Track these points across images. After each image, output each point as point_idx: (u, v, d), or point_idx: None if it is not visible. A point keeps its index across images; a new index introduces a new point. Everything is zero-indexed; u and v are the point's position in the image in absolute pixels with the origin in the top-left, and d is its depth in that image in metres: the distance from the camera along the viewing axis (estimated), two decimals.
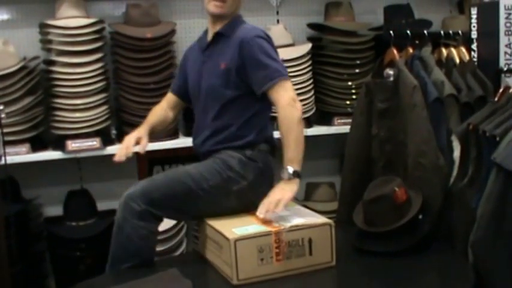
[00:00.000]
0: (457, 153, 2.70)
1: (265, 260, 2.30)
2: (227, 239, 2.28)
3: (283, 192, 2.39)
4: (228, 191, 2.52)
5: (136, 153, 3.57)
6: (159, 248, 3.12)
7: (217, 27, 2.61)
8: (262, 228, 2.33)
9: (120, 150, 2.59)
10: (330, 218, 3.15)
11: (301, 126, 2.46)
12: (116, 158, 2.56)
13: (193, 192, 2.49)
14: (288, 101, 2.44)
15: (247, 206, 2.51)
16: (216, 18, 2.60)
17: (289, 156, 2.42)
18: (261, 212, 2.38)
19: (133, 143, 2.59)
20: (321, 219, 2.44)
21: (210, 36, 2.65)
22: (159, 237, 3.14)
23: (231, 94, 2.54)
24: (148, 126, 2.72)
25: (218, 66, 2.55)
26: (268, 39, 2.57)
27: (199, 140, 2.65)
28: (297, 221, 2.40)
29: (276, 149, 2.63)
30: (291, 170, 2.40)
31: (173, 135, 3.40)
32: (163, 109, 2.84)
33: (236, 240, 2.26)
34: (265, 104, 2.58)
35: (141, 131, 2.67)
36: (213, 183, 2.50)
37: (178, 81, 2.85)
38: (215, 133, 2.59)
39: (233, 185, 2.52)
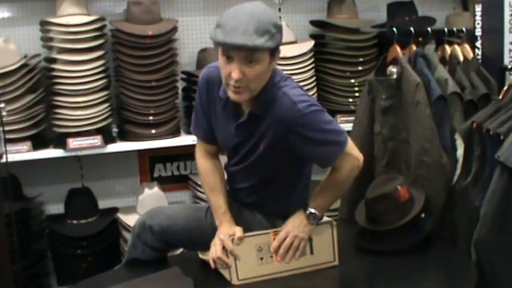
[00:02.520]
0: (460, 152, 2.69)
1: (265, 260, 2.28)
2: None
3: (300, 235, 2.28)
4: None
5: (138, 152, 3.58)
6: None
7: (248, 105, 2.22)
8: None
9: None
10: (331, 216, 3.14)
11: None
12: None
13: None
14: (354, 164, 2.29)
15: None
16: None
17: (321, 203, 2.33)
18: (280, 256, 2.28)
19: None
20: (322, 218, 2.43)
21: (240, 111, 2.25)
22: None
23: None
24: (229, 215, 2.34)
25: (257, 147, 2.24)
26: (316, 105, 2.20)
27: None
28: None
29: None
30: (317, 214, 2.30)
31: (175, 133, 3.39)
32: (214, 170, 2.45)
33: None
34: None
35: (232, 228, 2.29)
36: None
37: (204, 126, 2.43)
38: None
39: None
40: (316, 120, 2.17)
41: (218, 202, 2.34)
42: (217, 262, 2.25)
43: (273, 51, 2.09)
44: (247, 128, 2.23)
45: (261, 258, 2.28)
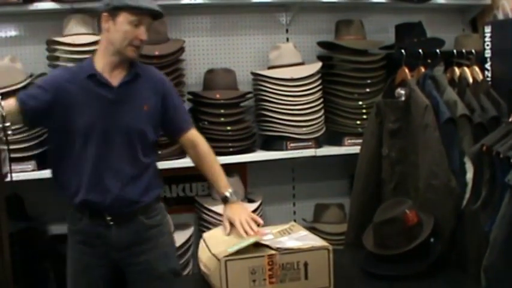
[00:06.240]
0: (470, 175, 2.66)
1: (258, 282, 2.27)
2: (218, 259, 2.27)
3: (246, 210, 2.54)
4: None
5: None
6: None
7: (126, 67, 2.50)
8: (256, 250, 2.32)
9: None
10: (338, 240, 3.10)
11: None
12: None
13: None
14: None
15: None
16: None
17: (225, 183, 2.59)
18: (248, 231, 2.42)
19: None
20: (319, 243, 2.39)
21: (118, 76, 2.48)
22: None
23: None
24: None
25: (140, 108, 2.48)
26: None
27: None
28: (293, 244, 2.37)
29: None
30: (233, 192, 2.58)
31: (180, 154, 3.36)
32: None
33: (227, 261, 2.24)
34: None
35: None
36: None
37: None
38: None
39: None
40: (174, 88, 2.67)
41: None
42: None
43: None
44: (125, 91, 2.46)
45: (254, 281, 2.27)
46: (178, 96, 2.70)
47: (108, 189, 2.39)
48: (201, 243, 2.51)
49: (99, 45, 2.49)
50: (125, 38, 2.39)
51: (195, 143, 2.61)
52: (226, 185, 2.57)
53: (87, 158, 2.40)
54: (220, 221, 3.17)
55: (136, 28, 2.39)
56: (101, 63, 2.45)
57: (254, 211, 3.15)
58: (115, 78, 2.45)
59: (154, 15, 2.44)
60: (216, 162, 2.61)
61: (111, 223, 2.42)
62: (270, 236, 2.41)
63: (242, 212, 2.49)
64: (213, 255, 2.32)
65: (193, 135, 2.62)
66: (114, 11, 2.37)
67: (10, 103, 2.32)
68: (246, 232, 2.40)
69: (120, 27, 2.38)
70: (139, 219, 2.46)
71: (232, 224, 2.47)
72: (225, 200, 2.56)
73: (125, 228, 2.43)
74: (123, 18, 2.37)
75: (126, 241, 2.44)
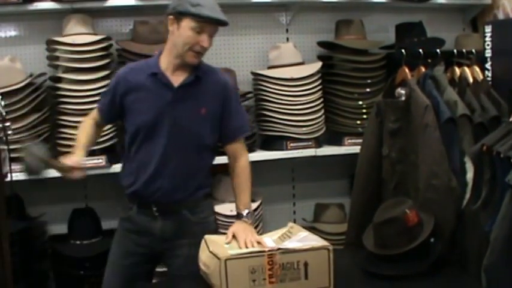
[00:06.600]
0: (470, 175, 2.66)
1: (258, 282, 2.26)
2: (218, 258, 2.26)
3: (254, 233, 2.47)
4: None
5: None
6: (163, 269, 3.07)
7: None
8: (255, 249, 2.32)
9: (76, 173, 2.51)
10: (338, 240, 3.10)
11: None
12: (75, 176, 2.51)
13: None
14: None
15: None
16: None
17: (246, 202, 2.60)
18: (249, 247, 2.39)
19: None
20: (320, 243, 2.39)
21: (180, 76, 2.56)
22: None
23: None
24: (83, 151, 2.60)
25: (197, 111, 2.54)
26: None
27: None
28: (294, 244, 2.37)
29: None
30: (250, 213, 2.58)
31: None
32: (92, 127, 2.72)
33: (227, 260, 2.24)
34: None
35: (78, 158, 2.55)
36: None
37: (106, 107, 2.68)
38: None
39: None
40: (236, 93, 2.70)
41: (80, 139, 2.61)
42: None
43: None
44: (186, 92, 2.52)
45: (254, 280, 2.26)
46: (238, 103, 2.70)
47: (160, 186, 2.52)
48: (202, 243, 2.50)
49: (166, 45, 2.56)
50: (186, 43, 2.44)
51: (236, 156, 2.64)
52: (246, 204, 2.59)
53: (145, 153, 2.53)
54: (221, 220, 3.18)
55: (199, 35, 2.42)
56: (165, 62, 2.53)
57: (254, 211, 3.14)
58: (177, 79, 2.51)
59: (218, 23, 2.46)
60: (247, 181, 2.62)
61: (157, 214, 2.55)
62: (272, 244, 2.38)
63: (249, 232, 2.45)
64: (213, 254, 2.31)
65: (237, 148, 2.64)
66: (178, 16, 2.43)
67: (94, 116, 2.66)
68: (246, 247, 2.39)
69: (183, 32, 2.43)
70: (184, 214, 2.57)
71: (234, 237, 2.45)
72: (238, 217, 2.58)
73: (169, 221, 2.56)
74: (186, 24, 2.42)
75: (169, 233, 2.56)
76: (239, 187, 2.62)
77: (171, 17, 2.45)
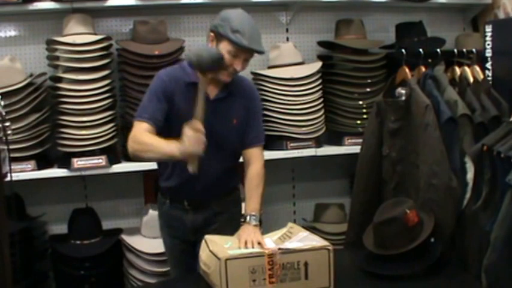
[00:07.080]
0: (470, 175, 2.65)
1: (258, 282, 2.27)
2: (218, 258, 2.26)
3: (258, 234, 2.48)
4: None
5: (143, 173, 3.56)
6: (161, 269, 3.08)
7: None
8: (256, 249, 2.33)
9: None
10: (339, 240, 3.09)
11: None
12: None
13: None
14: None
15: None
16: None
17: (254, 207, 2.62)
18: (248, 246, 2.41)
19: None
20: (320, 243, 2.39)
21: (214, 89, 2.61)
22: (162, 258, 3.11)
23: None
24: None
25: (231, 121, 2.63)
26: None
27: None
28: (294, 244, 2.37)
29: None
30: (255, 216, 2.58)
31: None
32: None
33: (227, 259, 2.24)
34: None
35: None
36: None
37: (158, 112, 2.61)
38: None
39: None
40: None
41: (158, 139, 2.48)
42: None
43: None
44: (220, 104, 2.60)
45: (254, 280, 2.26)
46: (260, 112, 2.82)
47: (193, 187, 2.62)
48: (202, 243, 2.50)
49: None
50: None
51: (251, 162, 2.69)
52: (253, 209, 2.61)
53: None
54: None
55: (234, 58, 2.49)
56: None
57: None
58: (212, 91, 2.59)
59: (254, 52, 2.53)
60: (258, 187, 2.67)
61: (188, 207, 2.68)
62: (272, 245, 2.39)
63: (252, 233, 2.47)
64: (213, 253, 2.31)
65: (253, 154, 2.70)
66: (218, 36, 2.49)
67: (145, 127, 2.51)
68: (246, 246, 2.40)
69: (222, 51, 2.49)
70: (213, 208, 2.70)
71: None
72: (244, 220, 2.59)
73: (200, 214, 2.69)
74: (223, 46, 2.48)
75: (200, 224, 2.69)
76: (249, 191, 2.67)
77: (211, 34, 2.52)
